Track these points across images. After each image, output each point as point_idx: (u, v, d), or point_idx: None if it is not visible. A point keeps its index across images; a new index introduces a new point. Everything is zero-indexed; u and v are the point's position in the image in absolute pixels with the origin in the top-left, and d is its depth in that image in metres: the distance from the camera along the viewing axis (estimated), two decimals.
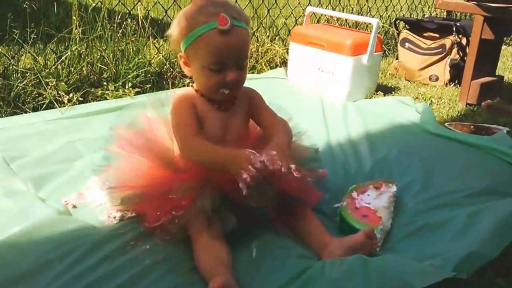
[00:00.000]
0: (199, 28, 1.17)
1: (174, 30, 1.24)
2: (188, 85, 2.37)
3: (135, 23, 2.34)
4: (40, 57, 2.12)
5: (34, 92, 2.00)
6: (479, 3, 2.37)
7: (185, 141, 1.20)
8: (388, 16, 3.99)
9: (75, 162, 1.57)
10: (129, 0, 2.54)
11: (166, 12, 2.54)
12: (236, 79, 1.21)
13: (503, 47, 4.11)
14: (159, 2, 2.52)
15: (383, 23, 3.77)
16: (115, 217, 1.26)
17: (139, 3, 2.38)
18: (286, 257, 1.11)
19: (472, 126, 2.11)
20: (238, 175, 1.07)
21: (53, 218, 1.20)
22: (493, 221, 1.24)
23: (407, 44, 3.02)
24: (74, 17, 2.11)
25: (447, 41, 2.89)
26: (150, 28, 2.38)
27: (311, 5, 3.28)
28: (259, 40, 2.91)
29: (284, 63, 2.88)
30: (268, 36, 3.01)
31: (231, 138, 1.26)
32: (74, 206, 1.32)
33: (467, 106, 2.45)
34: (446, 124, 2.11)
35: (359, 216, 1.29)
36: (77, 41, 2.13)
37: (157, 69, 2.42)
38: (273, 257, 1.12)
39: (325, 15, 3.34)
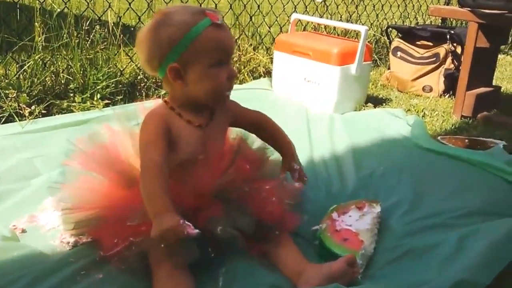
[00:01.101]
0: (195, 27, 1.12)
1: (150, 47, 1.16)
2: (163, 97, 2.34)
3: (105, 30, 2.29)
4: None
5: None
6: (473, 10, 2.34)
7: (145, 167, 1.10)
8: (380, 24, 3.97)
9: (32, 180, 1.50)
10: (98, 5, 2.49)
11: (139, 18, 2.49)
12: (235, 75, 1.22)
13: (501, 56, 4.11)
14: (131, 8, 2.47)
15: (374, 32, 3.75)
16: (68, 243, 1.19)
17: (110, 9, 2.33)
18: (255, 287, 1.05)
19: (466, 140, 2.06)
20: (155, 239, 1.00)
21: None
22: (486, 244, 1.19)
23: (399, 53, 2.99)
24: (36, 23, 2.05)
25: (441, 50, 2.86)
26: (122, 36, 2.33)
27: (296, 12, 3.25)
28: (241, 49, 2.87)
29: (268, 73, 2.84)
30: (251, 44, 2.98)
31: (207, 156, 1.20)
32: (23, 231, 1.25)
33: (462, 118, 2.41)
34: (439, 137, 2.06)
35: (339, 240, 1.23)
36: (40, 50, 2.07)
37: (129, 79, 2.36)
38: (241, 287, 1.05)
39: (312, 23, 3.31)
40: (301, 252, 1.18)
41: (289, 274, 1.13)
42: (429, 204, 1.46)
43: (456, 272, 1.09)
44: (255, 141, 1.38)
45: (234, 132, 1.35)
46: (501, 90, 2.76)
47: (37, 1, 2.13)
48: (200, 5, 2.78)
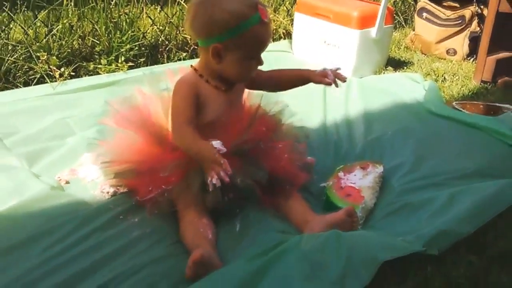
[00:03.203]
0: (248, 20, 1.38)
1: (203, 20, 1.41)
2: (183, 59, 2.62)
3: None
4: (30, 30, 2.35)
5: (25, 67, 2.24)
6: None
7: (177, 128, 1.42)
8: None
9: (67, 139, 1.81)
10: None
11: None
12: (262, 63, 1.50)
13: None
14: None
15: None
16: (108, 192, 1.50)
17: None
18: (266, 231, 1.35)
19: (481, 106, 2.28)
20: (207, 176, 1.29)
21: (46, 193, 1.45)
22: (473, 201, 1.45)
23: (424, 14, 3.16)
24: None
25: (467, 12, 3.02)
26: None
27: None
28: None
29: (288, 35, 3.08)
30: (272, 5, 3.20)
31: (228, 118, 1.49)
32: (67, 182, 1.56)
33: (482, 83, 2.61)
34: (454, 103, 2.27)
35: (343, 195, 1.52)
36: (69, 14, 2.35)
37: (151, 41, 2.64)
38: (254, 231, 1.36)
39: None
40: (308, 205, 1.47)
41: (297, 222, 1.43)
42: (429, 166, 1.73)
43: (442, 224, 1.37)
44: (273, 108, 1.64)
45: (253, 98, 1.63)
46: None
47: None
48: None
